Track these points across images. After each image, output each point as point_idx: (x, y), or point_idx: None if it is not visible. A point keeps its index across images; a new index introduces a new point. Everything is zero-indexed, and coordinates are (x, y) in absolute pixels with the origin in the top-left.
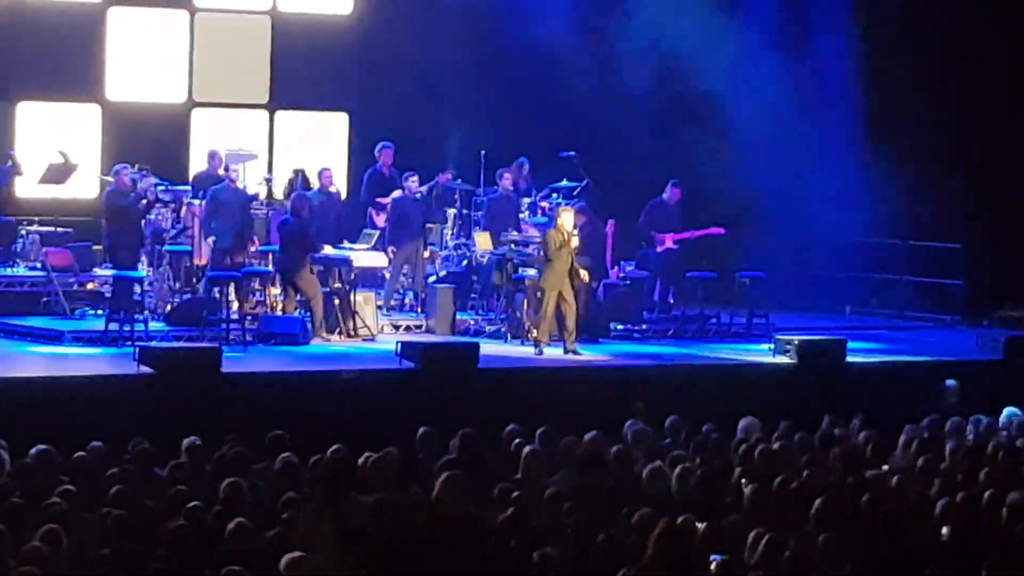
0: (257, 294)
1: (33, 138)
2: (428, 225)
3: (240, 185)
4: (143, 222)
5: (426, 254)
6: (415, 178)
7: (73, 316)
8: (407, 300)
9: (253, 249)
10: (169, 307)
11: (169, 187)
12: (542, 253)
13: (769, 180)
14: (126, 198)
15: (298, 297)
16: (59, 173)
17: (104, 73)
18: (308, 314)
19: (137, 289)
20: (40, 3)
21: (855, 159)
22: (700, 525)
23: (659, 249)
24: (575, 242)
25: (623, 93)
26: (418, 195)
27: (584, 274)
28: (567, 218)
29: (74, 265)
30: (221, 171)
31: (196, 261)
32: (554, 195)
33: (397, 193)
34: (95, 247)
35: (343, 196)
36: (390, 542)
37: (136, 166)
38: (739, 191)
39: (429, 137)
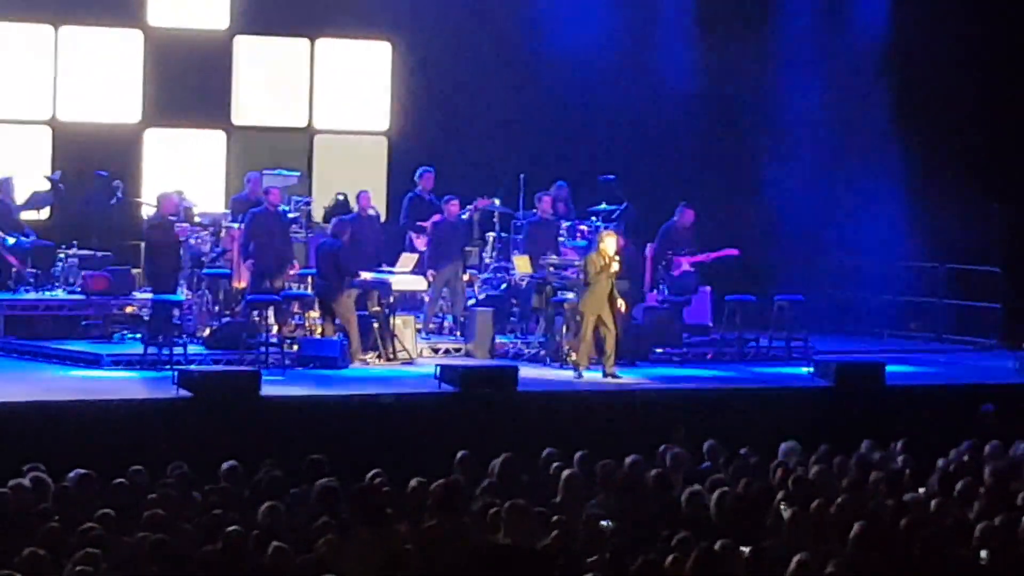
0: (296, 318)
1: (74, 162)
2: (467, 249)
3: (281, 208)
4: (181, 249)
5: (465, 277)
6: (455, 202)
7: (112, 340)
8: (446, 324)
9: (293, 272)
10: (208, 331)
11: (206, 212)
12: (582, 276)
13: (807, 203)
14: (168, 226)
15: (335, 321)
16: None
17: (145, 98)
18: (346, 338)
19: (176, 313)
20: (80, 32)
21: (893, 182)
22: (743, 549)
23: (676, 273)
24: (615, 267)
25: (662, 116)
26: (464, 215)
27: (621, 304)
28: (609, 243)
29: (113, 289)
30: (261, 194)
31: (235, 284)
32: (593, 218)
33: (437, 217)
34: (134, 271)
35: (382, 219)
36: (431, 569)
37: (176, 192)
38: (778, 213)
39: (468, 161)
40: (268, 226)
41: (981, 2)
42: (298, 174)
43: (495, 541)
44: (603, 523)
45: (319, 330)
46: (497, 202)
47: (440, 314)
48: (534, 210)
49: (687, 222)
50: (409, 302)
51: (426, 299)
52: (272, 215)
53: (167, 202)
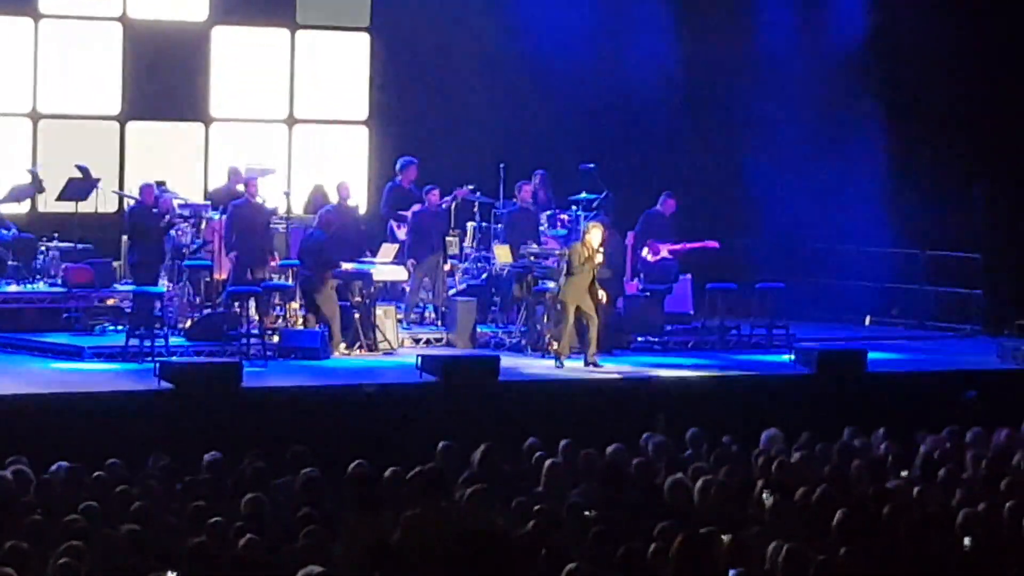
0: (277, 308)
1: (54, 155)
2: (448, 238)
3: (260, 200)
4: (164, 240)
5: (446, 267)
6: (436, 191)
7: (93, 332)
8: (428, 314)
9: (274, 264)
10: (189, 322)
11: (188, 202)
12: (565, 266)
13: (788, 190)
14: (150, 216)
15: (320, 312)
16: (79, 189)
17: (124, 90)
18: (328, 329)
19: (157, 305)
20: (60, 19)
21: (873, 170)
22: (724, 537)
23: (653, 259)
24: (599, 258)
25: (641, 104)
26: (443, 205)
27: (602, 295)
28: (595, 234)
29: (94, 281)
30: (240, 187)
31: (216, 276)
32: (573, 207)
33: (417, 207)
34: (115, 263)
35: (363, 210)
36: (416, 558)
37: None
38: (758, 201)
39: (448, 150)
40: (249, 218)
41: None
42: (275, 170)
43: (478, 528)
44: (586, 512)
45: (299, 321)
46: (470, 187)
47: (422, 304)
48: (514, 199)
49: (669, 211)
50: (390, 292)
51: (407, 289)
52: (253, 207)
53: (148, 193)
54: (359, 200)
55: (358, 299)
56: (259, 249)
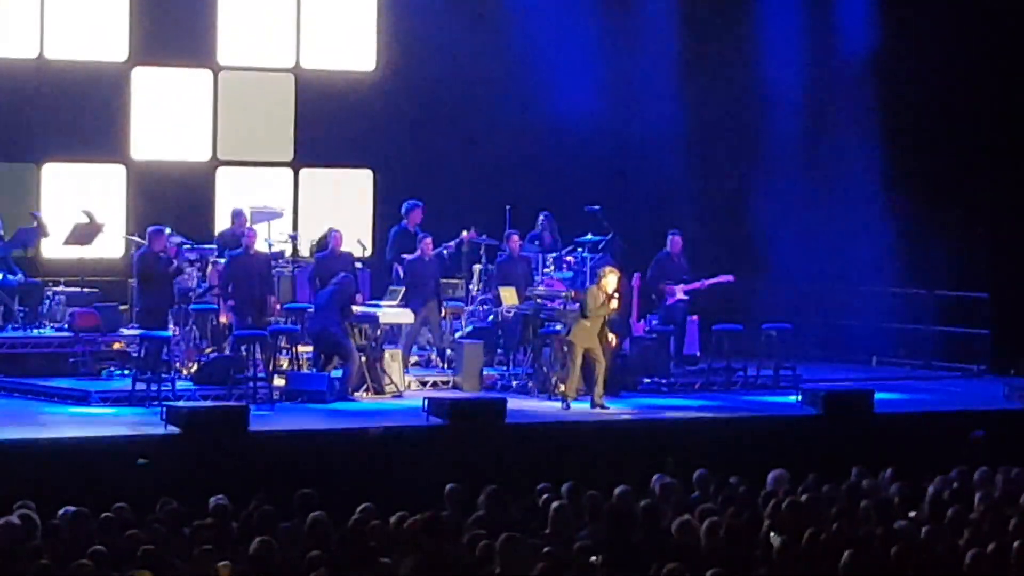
0: (284, 352)
1: (58, 199)
2: (453, 280)
3: (264, 243)
4: (173, 285)
5: (443, 313)
6: (429, 240)
7: (100, 376)
8: (432, 357)
9: (279, 307)
10: (196, 366)
11: (195, 246)
12: (579, 308)
13: (794, 230)
14: (158, 261)
15: (343, 359)
16: (85, 234)
17: (129, 133)
18: (347, 374)
19: (164, 349)
20: (64, 64)
21: (880, 209)
22: None
23: (669, 301)
24: (614, 304)
25: (646, 146)
26: (445, 251)
27: (612, 338)
28: (611, 280)
29: (101, 325)
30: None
31: (222, 319)
32: (579, 249)
33: (409, 256)
34: (121, 307)
35: (368, 253)
36: None
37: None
38: (764, 241)
39: (454, 193)
40: (246, 269)
41: (964, 30)
42: (281, 213)
43: (485, 573)
44: (592, 558)
45: (304, 365)
46: (474, 231)
47: (428, 346)
48: (520, 242)
49: (676, 249)
50: (396, 335)
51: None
52: (250, 258)
53: (157, 237)
54: (356, 246)
55: (364, 342)
56: (256, 298)
